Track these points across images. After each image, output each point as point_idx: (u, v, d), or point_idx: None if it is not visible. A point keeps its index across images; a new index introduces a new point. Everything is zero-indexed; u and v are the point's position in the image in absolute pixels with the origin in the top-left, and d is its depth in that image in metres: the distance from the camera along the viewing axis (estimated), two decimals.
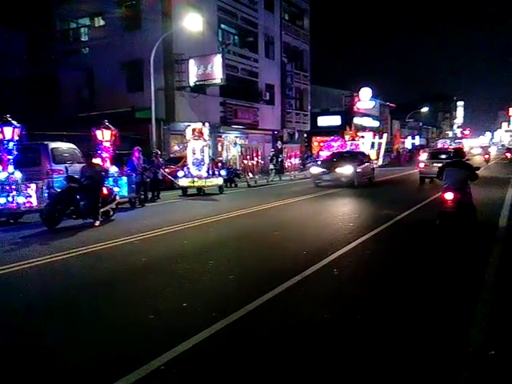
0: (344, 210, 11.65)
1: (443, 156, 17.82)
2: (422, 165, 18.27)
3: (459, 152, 9.30)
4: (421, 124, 68.20)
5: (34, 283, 5.46)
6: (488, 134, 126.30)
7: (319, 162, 21.15)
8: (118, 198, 11.04)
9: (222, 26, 26.23)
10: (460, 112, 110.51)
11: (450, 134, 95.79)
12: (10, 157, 10.19)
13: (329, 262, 6.08)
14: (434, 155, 19.05)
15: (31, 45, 24.94)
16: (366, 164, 18.97)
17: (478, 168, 8.72)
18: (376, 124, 44.89)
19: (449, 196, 7.35)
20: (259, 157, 26.51)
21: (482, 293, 4.70)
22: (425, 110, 58.01)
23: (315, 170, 18.32)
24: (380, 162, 35.10)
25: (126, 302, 4.71)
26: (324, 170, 17.72)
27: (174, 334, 3.84)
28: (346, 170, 17.00)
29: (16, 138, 10.20)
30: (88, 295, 4.97)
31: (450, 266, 5.84)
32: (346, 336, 3.78)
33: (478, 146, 49.13)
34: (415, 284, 5.16)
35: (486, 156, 37.41)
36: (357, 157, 19.18)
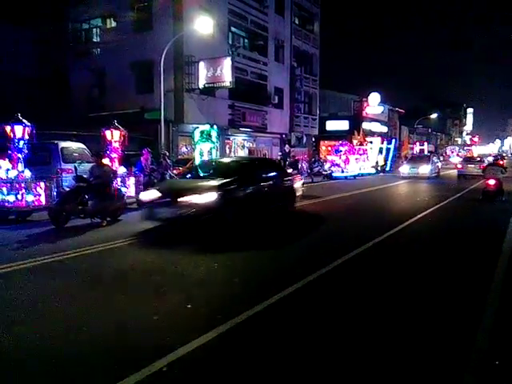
0: None
1: (472, 160, 27.12)
2: (459, 166, 26.67)
3: (497, 158, 18.88)
4: (430, 130, 67.82)
5: (38, 281, 5.52)
6: (498, 141, 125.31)
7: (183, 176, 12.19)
8: (125, 198, 11.11)
9: (233, 29, 26.34)
10: (470, 119, 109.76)
11: (460, 140, 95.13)
12: (20, 155, 10.32)
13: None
14: (468, 160, 27.70)
15: (42, 44, 25.20)
16: (268, 182, 10.14)
17: (506, 168, 15.48)
18: (384, 129, 44.71)
19: (492, 182, 13.49)
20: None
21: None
22: (434, 116, 57.64)
23: (148, 195, 9.20)
24: (388, 167, 34.97)
25: (131, 303, 4.74)
26: (163, 195, 8.70)
27: (177, 335, 3.87)
28: (204, 197, 8.05)
29: (26, 136, 10.34)
30: (92, 295, 5.01)
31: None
32: (348, 338, 3.78)
33: (488, 155, 49.69)
34: None
35: (501, 162, 38.29)
36: (245, 169, 10.03)
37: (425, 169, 24.74)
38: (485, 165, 18.68)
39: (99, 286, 5.31)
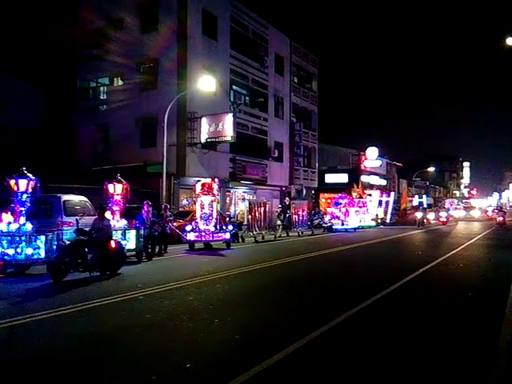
0: None
1: (497, 210, 41.80)
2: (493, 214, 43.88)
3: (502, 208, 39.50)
4: (428, 183, 68.64)
5: (35, 338, 5.37)
6: (496, 194, 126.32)
7: None
8: (125, 251, 11.05)
9: (234, 87, 27.50)
10: (466, 172, 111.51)
11: (458, 193, 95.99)
12: (23, 208, 10.40)
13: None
14: (499, 210, 40.40)
15: (50, 99, 26.06)
16: None
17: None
18: (383, 182, 45.29)
19: (500, 219, 31.21)
20: (267, 212, 26.62)
21: None
22: (431, 169, 58.65)
23: None
24: (388, 219, 35.01)
25: (128, 361, 4.60)
26: None
27: None
28: None
29: (30, 190, 10.47)
30: (87, 353, 4.86)
31: None
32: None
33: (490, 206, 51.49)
34: None
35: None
36: None
37: None
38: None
39: (98, 344, 5.15)
